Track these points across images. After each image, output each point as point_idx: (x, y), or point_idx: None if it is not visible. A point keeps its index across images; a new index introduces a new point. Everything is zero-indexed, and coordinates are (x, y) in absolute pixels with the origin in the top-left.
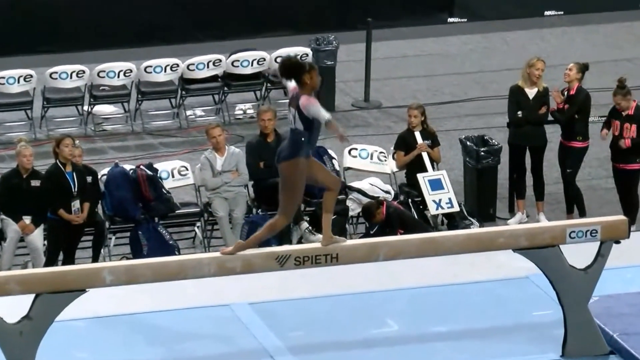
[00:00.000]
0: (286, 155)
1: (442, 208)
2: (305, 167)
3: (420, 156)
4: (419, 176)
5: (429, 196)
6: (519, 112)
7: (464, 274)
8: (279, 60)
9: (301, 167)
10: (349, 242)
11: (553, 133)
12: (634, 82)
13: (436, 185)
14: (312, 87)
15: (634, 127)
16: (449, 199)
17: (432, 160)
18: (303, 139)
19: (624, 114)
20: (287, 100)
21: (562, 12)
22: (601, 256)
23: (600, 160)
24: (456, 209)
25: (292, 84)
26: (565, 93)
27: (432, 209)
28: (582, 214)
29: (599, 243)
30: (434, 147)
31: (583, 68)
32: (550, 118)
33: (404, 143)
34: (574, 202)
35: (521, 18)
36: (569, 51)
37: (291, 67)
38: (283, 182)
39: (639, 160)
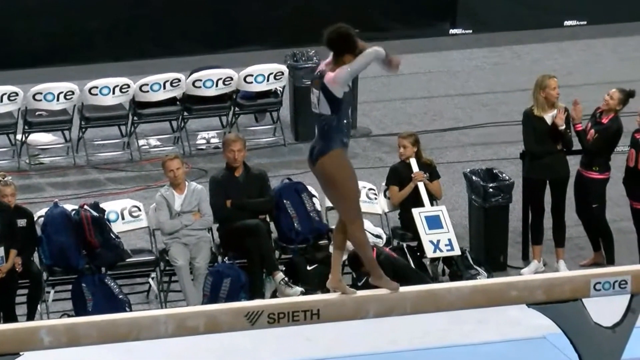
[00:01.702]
0: (320, 150)
1: (441, 250)
2: (346, 159)
3: (416, 191)
4: (414, 211)
5: (426, 236)
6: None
7: (470, 333)
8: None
9: (341, 159)
10: (334, 295)
11: (574, 165)
12: None
13: (434, 222)
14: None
15: None
16: (449, 239)
17: (430, 196)
18: (332, 124)
19: None
20: (309, 81)
21: (585, 22)
22: (632, 312)
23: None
24: (457, 252)
25: (323, 62)
26: (597, 114)
27: (429, 252)
28: (611, 260)
29: (629, 296)
30: (433, 180)
31: (627, 96)
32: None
33: (398, 176)
34: (603, 243)
35: (537, 29)
36: (593, 67)
37: (343, 40)
38: (328, 184)
39: None
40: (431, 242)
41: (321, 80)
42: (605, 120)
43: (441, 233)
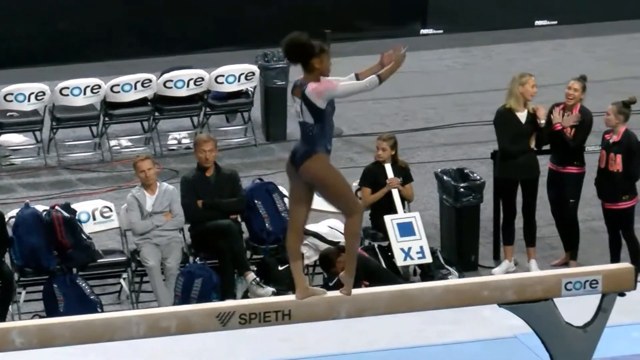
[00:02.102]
0: (303, 154)
1: (412, 258)
2: (328, 162)
3: (389, 194)
4: (387, 219)
5: (397, 243)
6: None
7: (443, 333)
8: (283, 42)
9: (325, 162)
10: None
11: (543, 165)
12: None
13: (406, 230)
14: (321, 73)
15: (619, 157)
16: (421, 247)
17: (402, 199)
18: (316, 132)
19: (611, 141)
20: (290, 90)
21: (556, 22)
22: (603, 311)
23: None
24: (428, 260)
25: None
26: (562, 111)
27: (399, 260)
28: (574, 256)
29: (600, 296)
30: (406, 183)
31: (584, 82)
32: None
33: (371, 178)
34: (571, 239)
35: (508, 29)
36: (565, 67)
37: (299, 49)
38: (318, 186)
39: (625, 198)
40: (402, 249)
41: (302, 90)
42: (575, 112)
43: (413, 240)
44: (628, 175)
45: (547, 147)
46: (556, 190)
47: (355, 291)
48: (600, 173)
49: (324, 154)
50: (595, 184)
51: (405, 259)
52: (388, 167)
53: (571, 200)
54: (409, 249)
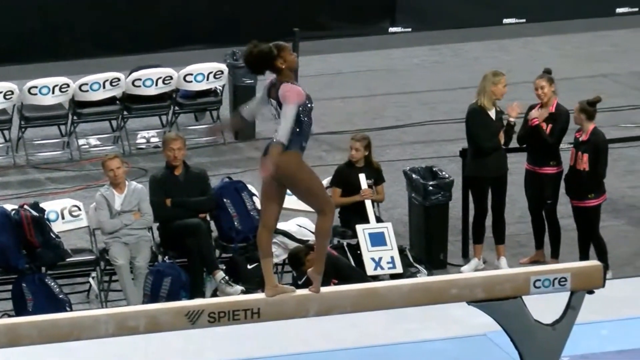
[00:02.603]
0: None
1: (382, 268)
2: (300, 159)
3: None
4: (359, 228)
5: (368, 253)
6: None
7: (412, 331)
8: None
9: (298, 159)
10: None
11: (515, 164)
12: (612, 102)
13: (378, 240)
14: (289, 69)
15: (585, 156)
16: (391, 257)
17: (373, 200)
18: (293, 131)
19: (580, 139)
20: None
21: (524, 20)
22: (572, 309)
23: None
24: (399, 270)
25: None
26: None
27: (369, 269)
28: (556, 255)
29: (569, 293)
30: (378, 184)
31: (549, 76)
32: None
33: (342, 179)
34: (552, 238)
35: (476, 27)
36: (533, 65)
37: (258, 61)
38: (290, 185)
39: (591, 196)
40: (372, 259)
41: (276, 93)
42: (552, 109)
43: (384, 250)
44: (594, 174)
45: (515, 145)
46: (534, 191)
47: (323, 289)
48: (569, 171)
49: (296, 152)
50: (564, 181)
51: (375, 269)
52: (362, 178)
53: (548, 202)
54: (380, 259)
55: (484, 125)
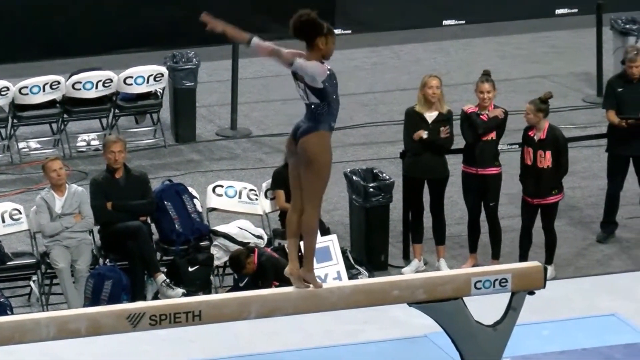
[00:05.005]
0: (305, 129)
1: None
2: (329, 144)
3: None
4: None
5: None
6: (424, 133)
7: (353, 333)
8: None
9: (326, 142)
10: (215, 296)
11: (454, 165)
12: (552, 103)
13: (323, 255)
14: (323, 55)
15: (548, 153)
16: (338, 272)
17: None
18: (323, 110)
19: (536, 138)
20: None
21: (463, 22)
22: (512, 310)
23: (511, 196)
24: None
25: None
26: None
27: None
28: (497, 255)
29: (509, 294)
30: None
31: (490, 77)
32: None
33: (284, 180)
34: (493, 239)
35: (416, 28)
36: (474, 66)
37: (307, 26)
38: (306, 164)
39: (555, 192)
40: (319, 277)
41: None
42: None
43: (330, 266)
44: (558, 170)
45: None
46: (476, 193)
47: (264, 291)
48: (527, 170)
49: (327, 132)
50: (520, 180)
51: None
52: None
53: (491, 204)
54: (326, 275)
55: (407, 125)
